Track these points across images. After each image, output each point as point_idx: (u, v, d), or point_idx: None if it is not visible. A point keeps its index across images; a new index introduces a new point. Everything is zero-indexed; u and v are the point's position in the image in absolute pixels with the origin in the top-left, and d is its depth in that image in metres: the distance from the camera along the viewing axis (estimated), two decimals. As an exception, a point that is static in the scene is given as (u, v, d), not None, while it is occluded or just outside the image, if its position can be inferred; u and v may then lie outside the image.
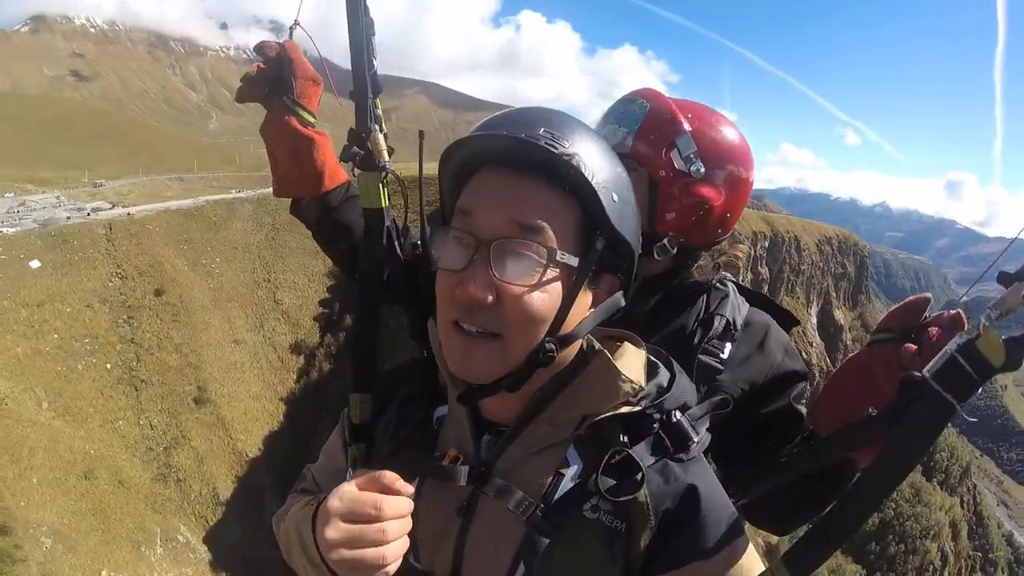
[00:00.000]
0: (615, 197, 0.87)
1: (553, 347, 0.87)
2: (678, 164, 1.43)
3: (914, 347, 1.09)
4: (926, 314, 1.16)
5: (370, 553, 0.80)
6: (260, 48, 1.33)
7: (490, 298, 0.84)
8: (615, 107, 1.55)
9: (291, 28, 1.35)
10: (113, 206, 47.37)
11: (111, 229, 38.31)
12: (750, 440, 1.44)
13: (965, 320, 1.09)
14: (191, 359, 37.88)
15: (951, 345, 0.97)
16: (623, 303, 0.96)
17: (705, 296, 1.54)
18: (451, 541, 0.93)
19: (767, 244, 63.90)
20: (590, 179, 0.84)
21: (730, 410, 1.04)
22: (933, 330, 1.10)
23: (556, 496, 0.89)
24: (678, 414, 0.93)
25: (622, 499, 0.86)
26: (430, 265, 0.93)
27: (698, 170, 1.42)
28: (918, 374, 0.95)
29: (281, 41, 1.34)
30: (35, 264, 33.12)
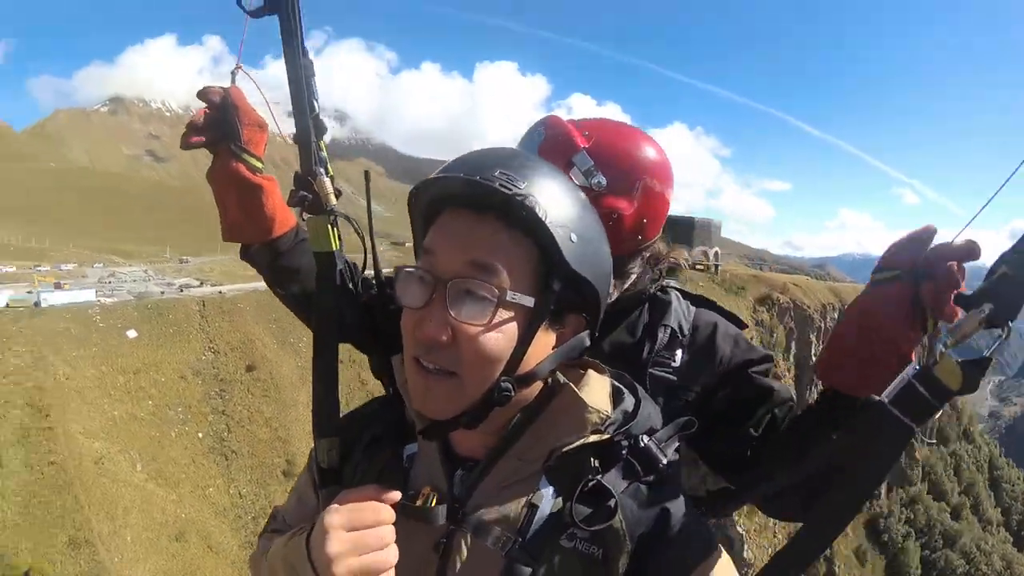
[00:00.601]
0: (573, 237, 0.87)
1: (509, 386, 0.88)
2: (579, 180, 1.43)
3: (930, 284, 1.02)
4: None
5: (377, 557, 0.84)
6: (204, 94, 1.32)
7: (446, 337, 0.86)
8: (522, 138, 1.59)
9: (234, 73, 1.32)
10: (201, 283, 50.63)
11: (204, 306, 40.92)
12: (733, 437, 1.42)
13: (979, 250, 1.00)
14: (280, 433, 38.96)
15: (908, 371, 0.99)
16: (588, 343, 0.98)
17: (647, 307, 1.54)
18: None
19: (836, 315, 59.81)
20: (544, 219, 0.84)
21: (697, 422, 1.07)
22: (952, 264, 0.99)
23: (532, 528, 0.90)
24: (646, 438, 0.94)
25: (596, 526, 0.87)
26: (389, 303, 0.96)
27: (599, 183, 1.43)
28: (876, 398, 0.97)
29: (226, 87, 1.32)
30: (132, 334, 35.65)
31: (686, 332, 1.49)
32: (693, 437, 1.23)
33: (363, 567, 0.84)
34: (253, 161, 1.34)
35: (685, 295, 1.59)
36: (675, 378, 1.45)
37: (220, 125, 1.32)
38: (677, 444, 0.98)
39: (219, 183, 1.36)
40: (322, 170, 1.21)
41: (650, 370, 1.44)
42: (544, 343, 0.92)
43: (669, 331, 1.47)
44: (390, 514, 0.88)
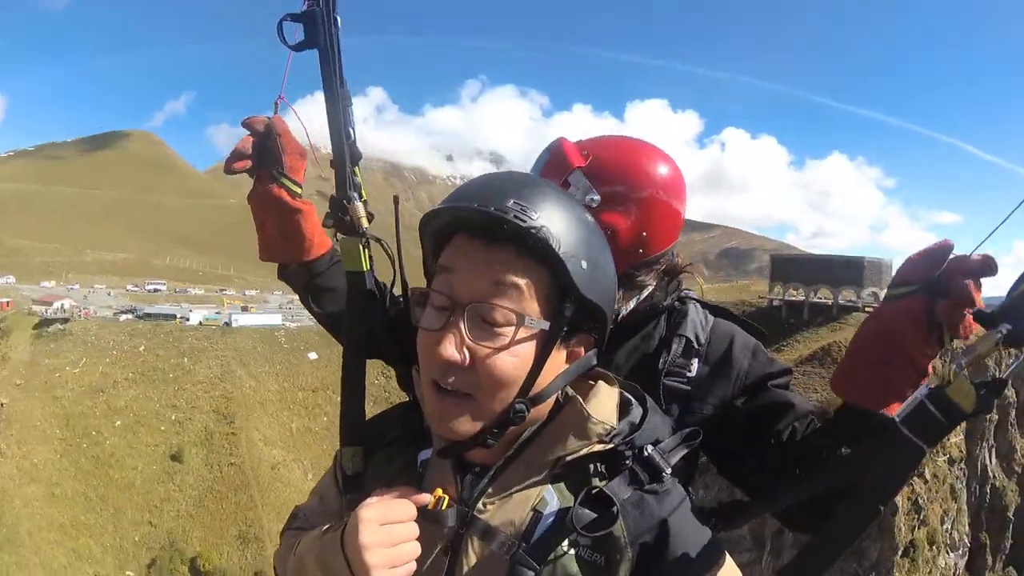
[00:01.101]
0: (584, 264, 0.91)
1: (524, 407, 0.93)
2: (577, 198, 1.40)
3: (946, 301, 1.04)
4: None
5: (404, 548, 0.91)
6: (249, 124, 1.39)
7: (463, 359, 0.89)
8: (535, 161, 1.61)
9: (276, 103, 1.39)
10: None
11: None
12: (751, 447, 1.42)
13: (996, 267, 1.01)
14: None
15: (921, 390, 1.00)
16: (595, 361, 1.03)
17: (663, 318, 1.55)
18: None
19: (1012, 362, 52.02)
20: (557, 249, 0.88)
21: (713, 428, 1.19)
22: (968, 282, 1.01)
23: (536, 533, 0.93)
24: (650, 448, 0.97)
25: (598, 533, 0.90)
26: (412, 322, 1.00)
27: (592, 199, 1.44)
28: (889, 416, 1.00)
29: (270, 116, 1.39)
30: (313, 356, 39.94)
31: (703, 342, 1.50)
32: (711, 448, 1.36)
33: (392, 557, 0.89)
34: (293, 187, 1.42)
35: (704, 305, 1.61)
36: (690, 388, 1.46)
37: (263, 152, 1.40)
38: (683, 453, 1.02)
39: (260, 206, 1.44)
40: (356, 195, 1.29)
41: (664, 380, 1.45)
42: (555, 363, 0.96)
43: (684, 341, 1.49)
44: (415, 511, 0.94)
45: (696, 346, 1.49)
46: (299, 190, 1.44)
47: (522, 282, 0.90)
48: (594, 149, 1.52)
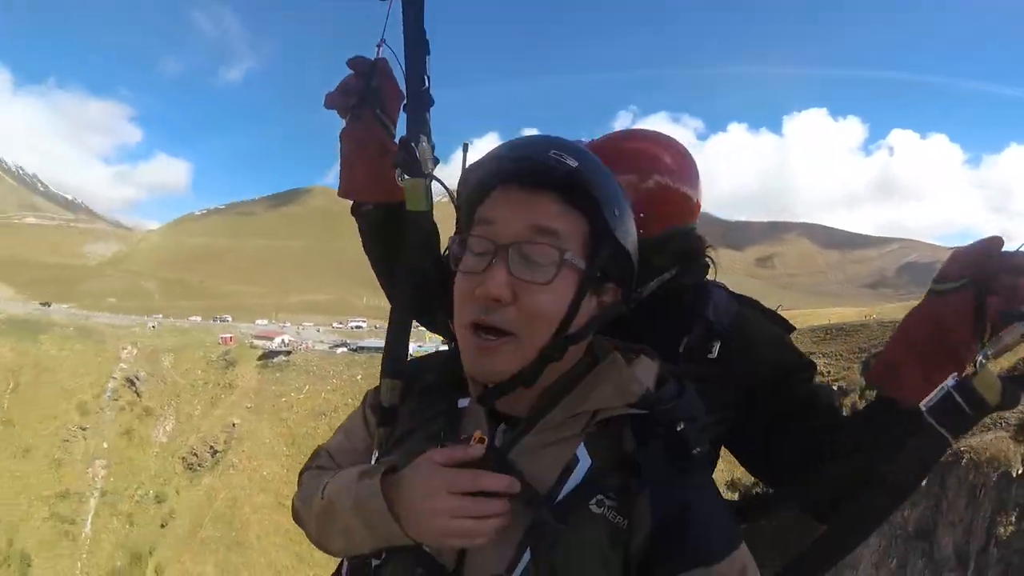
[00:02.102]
0: (616, 211, 0.97)
1: (563, 344, 0.96)
2: None
3: (996, 298, 1.06)
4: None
5: (471, 524, 0.89)
6: (355, 63, 1.43)
7: (507, 296, 0.93)
8: None
9: (378, 47, 1.43)
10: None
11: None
12: (775, 438, 1.42)
13: None
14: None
15: (949, 381, 1.00)
16: (623, 310, 1.06)
17: (687, 299, 1.53)
18: None
19: None
20: (595, 194, 0.94)
21: (735, 417, 1.22)
22: (1021, 280, 1.03)
23: (564, 490, 0.94)
24: (683, 424, 0.97)
25: (625, 497, 0.92)
26: (453, 267, 1.01)
27: None
28: (916, 406, 1.01)
29: (373, 58, 1.43)
30: None
31: (725, 325, 1.47)
32: (732, 438, 1.36)
33: (456, 530, 0.89)
34: (392, 128, 1.46)
35: (731, 294, 1.58)
36: (710, 370, 1.42)
37: (364, 92, 1.43)
38: (713, 435, 0.98)
39: (356, 143, 1.46)
40: (424, 138, 1.32)
41: (685, 363, 1.43)
42: (589, 307, 0.99)
43: (705, 322, 1.46)
44: (504, 484, 0.90)
45: (718, 328, 1.45)
46: (395, 132, 1.46)
47: (561, 224, 0.95)
48: (597, 145, 1.55)
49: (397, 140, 1.33)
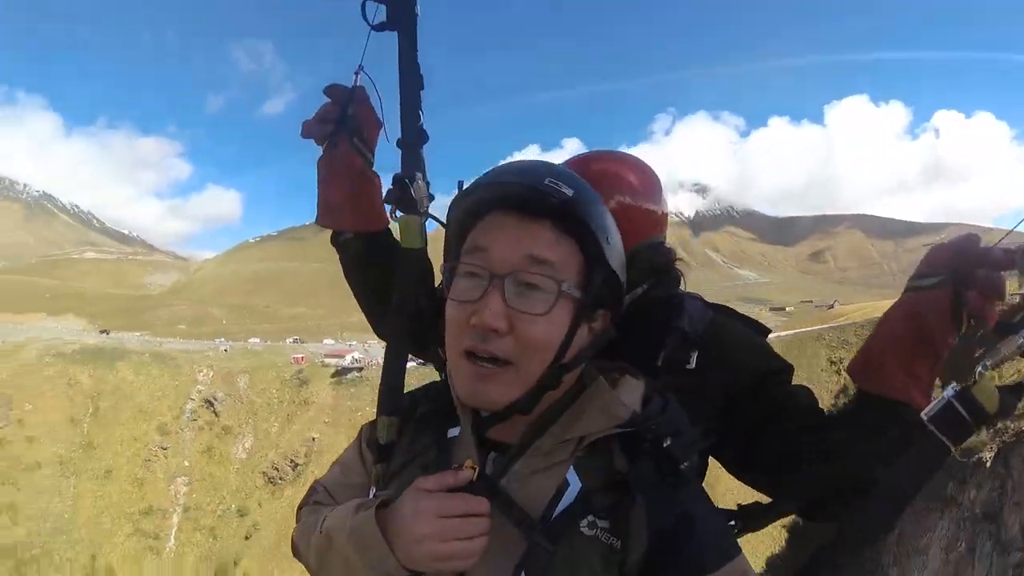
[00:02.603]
0: (609, 239, 0.99)
1: (559, 373, 0.97)
2: None
3: (974, 292, 1.08)
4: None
5: (464, 546, 0.89)
6: (331, 91, 1.43)
7: (503, 326, 0.93)
8: None
9: (356, 75, 1.42)
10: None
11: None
12: (759, 442, 1.41)
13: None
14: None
15: (948, 391, 1.04)
16: (614, 334, 1.06)
17: (661, 312, 1.51)
18: None
19: None
20: (589, 222, 0.96)
21: (718, 425, 1.28)
22: (998, 273, 1.06)
23: (555, 513, 0.94)
24: (669, 440, 0.97)
25: (617, 517, 0.92)
26: (445, 296, 1.02)
27: None
28: (918, 415, 1.05)
29: (351, 86, 1.42)
30: None
31: (700, 333, 1.47)
32: (717, 447, 1.39)
33: (447, 553, 0.89)
34: (369, 156, 1.45)
35: (705, 304, 1.58)
36: (690, 381, 1.41)
37: (342, 119, 1.42)
38: (699, 449, 1.04)
39: (332, 171, 1.45)
40: (419, 174, 1.31)
41: (663, 376, 1.42)
42: (582, 335, 1.00)
43: (680, 333, 1.46)
44: (485, 507, 0.92)
45: (694, 338, 1.46)
46: (372, 160, 1.47)
47: (556, 254, 0.96)
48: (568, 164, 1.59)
49: (392, 177, 1.34)
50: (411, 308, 1.29)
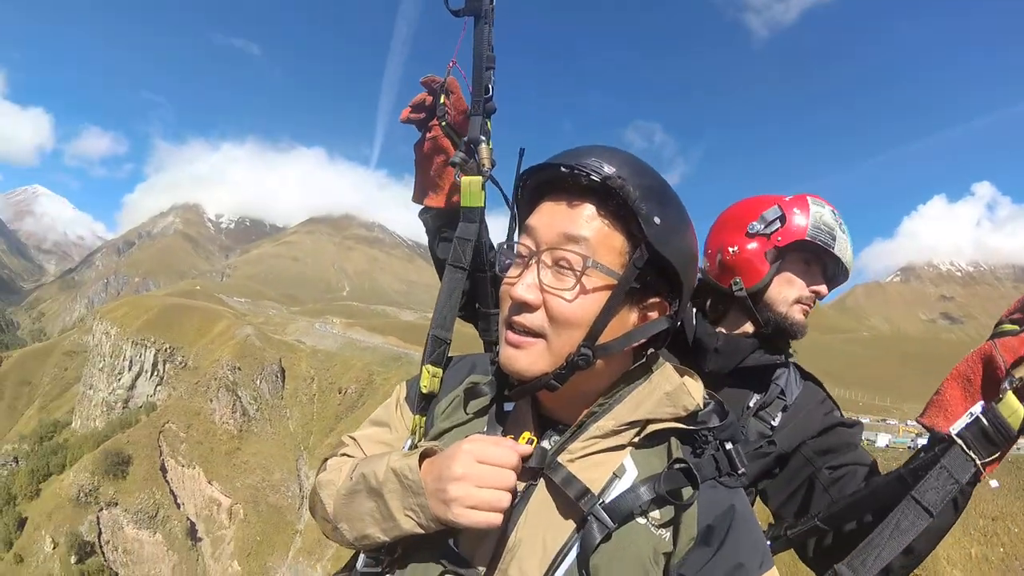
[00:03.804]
0: (657, 219, 0.94)
1: (588, 352, 0.95)
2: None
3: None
4: None
5: (494, 495, 0.91)
6: (426, 82, 1.57)
7: (535, 300, 0.95)
8: None
9: (448, 67, 1.53)
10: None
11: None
12: (808, 487, 1.57)
13: None
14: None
15: (976, 408, 1.06)
16: (667, 326, 1.03)
17: (766, 369, 1.74)
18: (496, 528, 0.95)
19: None
20: (630, 201, 0.92)
21: (776, 445, 1.44)
22: None
23: (610, 496, 0.94)
24: (729, 444, 0.99)
25: (672, 510, 0.93)
26: (498, 273, 1.06)
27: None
28: (946, 433, 1.08)
29: (444, 78, 1.55)
30: (995, 484, 39.89)
31: (790, 398, 1.68)
32: (767, 492, 1.61)
33: (478, 497, 0.90)
34: (458, 140, 1.55)
35: (801, 372, 1.81)
36: (771, 433, 1.62)
37: (433, 107, 1.58)
38: (753, 462, 1.12)
39: (427, 152, 1.62)
40: (484, 139, 1.46)
41: (751, 418, 1.61)
42: (626, 320, 0.99)
43: (778, 390, 1.69)
44: (517, 462, 0.94)
45: (784, 399, 1.72)
46: (461, 143, 1.54)
47: (596, 232, 0.96)
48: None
49: (462, 141, 1.49)
50: (466, 260, 1.42)
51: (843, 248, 1.72)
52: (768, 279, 1.74)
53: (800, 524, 1.49)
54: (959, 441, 1.07)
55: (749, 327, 1.79)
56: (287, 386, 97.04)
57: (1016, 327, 1.16)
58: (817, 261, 1.77)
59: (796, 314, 1.75)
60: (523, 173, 1.06)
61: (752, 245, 1.74)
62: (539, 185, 1.04)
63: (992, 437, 1.05)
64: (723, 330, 1.83)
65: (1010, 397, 1.01)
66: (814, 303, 1.78)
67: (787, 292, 1.75)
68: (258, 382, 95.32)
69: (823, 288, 1.78)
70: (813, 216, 1.71)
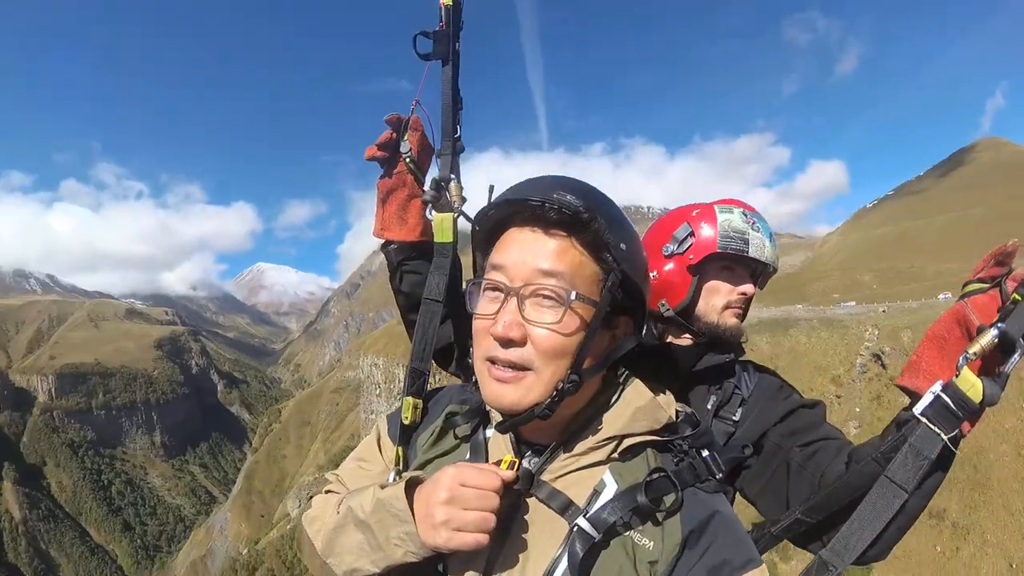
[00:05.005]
0: (623, 246, 1.00)
1: (577, 378, 0.99)
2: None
3: (997, 300, 1.15)
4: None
5: (477, 516, 0.93)
6: (390, 120, 1.59)
7: (519, 335, 0.97)
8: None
9: (412, 105, 1.57)
10: None
11: None
12: (781, 472, 1.58)
13: None
14: None
15: (936, 386, 1.10)
16: (636, 342, 1.08)
17: (721, 369, 1.76)
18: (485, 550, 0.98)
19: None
20: (601, 232, 0.98)
21: (752, 448, 1.42)
22: (1010, 282, 1.13)
23: (592, 509, 0.98)
24: (704, 451, 1.04)
25: (655, 518, 0.96)
26: (468, 310, 1.07)
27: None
28: (909, 413, 1.12)
29: (407, 116, 1.60)
30: None
31: (746, 391, 1.73)
32: (743, 487, 1.63)
33: (466, 521, 0.92)
34: (421, 177, 1.62)
35: (756, 367, 1.84)
36: (734, 430, 1.66)
37: (396, 145, 1.61)
38: (732, 464, 1.15)
39: (388, 188, 1.65)
40: (454, 177, 1.52)
41: (713, 419, 1.64)
42: (602, 341, 1.03)
43: (732, 388, 1.71)
44: (499, 484, 0.96)
45: (743, 395, 1.75)
46: (423, 179, 1.63)
47: (570, 263, 0.99)
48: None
49: (430, 180, 1.52)
50: (440, 294, 1.44)
51: (759, 248, 1.76)
52: (691, 296, 1.79)
53: (782, 520, 1.48)
54: (923, 419, 1.12)
55: (689, 340, 1.84)
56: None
57: (984, 285, 1.21)
58: (738, 263, 1.81)
59: (728, 320, 1.80)
60: (488, 207, 1.09)
61: (669, 266, 1.80)
62: (502, 219, 1.06)
63: (955, 412, 1.10)
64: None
65: (966, 372, 1.06)
66: (746, 303, 1.85)
67: (714, 300, 1.81)
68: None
69: (749, 288, 1.83)
70: (721, 226, 1.75)
